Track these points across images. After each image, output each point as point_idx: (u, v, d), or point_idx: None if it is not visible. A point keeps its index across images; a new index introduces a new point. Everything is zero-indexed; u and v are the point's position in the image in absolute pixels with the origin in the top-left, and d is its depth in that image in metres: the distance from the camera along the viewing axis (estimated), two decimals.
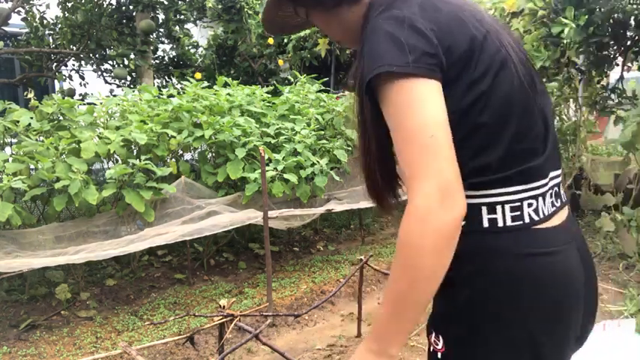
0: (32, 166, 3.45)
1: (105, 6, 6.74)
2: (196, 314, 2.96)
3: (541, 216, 0.98)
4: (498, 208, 0.95)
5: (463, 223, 0.89)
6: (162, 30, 7.08)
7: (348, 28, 1.05)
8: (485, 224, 0.95)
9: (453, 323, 0.98)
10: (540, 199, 0.99)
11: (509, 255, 0.95)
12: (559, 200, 1.05)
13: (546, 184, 1.00)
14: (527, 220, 0.96)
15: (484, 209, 0.95)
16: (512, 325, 0.95)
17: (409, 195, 0.84)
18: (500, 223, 0.95)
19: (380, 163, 1.01)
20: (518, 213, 0.96)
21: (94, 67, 7.13)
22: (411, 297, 0.85)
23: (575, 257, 1.01)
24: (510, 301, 0.94)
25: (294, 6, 1.07)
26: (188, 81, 4.95)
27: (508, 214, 0.95)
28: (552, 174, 1.03)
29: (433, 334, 1.02)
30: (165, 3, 6.77)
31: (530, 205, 0.97)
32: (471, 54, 0.93)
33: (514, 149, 0.96)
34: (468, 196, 0.90)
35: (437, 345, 1.00)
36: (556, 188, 1.04)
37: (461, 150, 0.89)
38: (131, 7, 6.64)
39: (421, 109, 0.85)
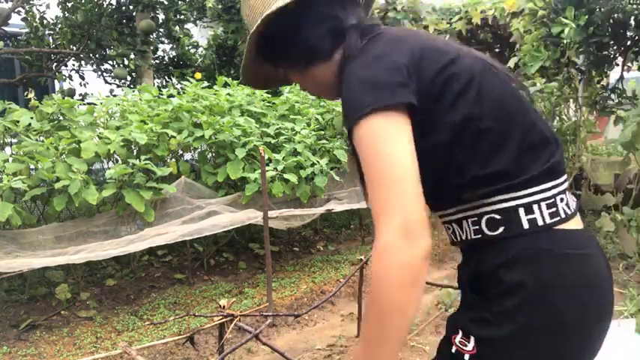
0: (32, 166, 3.45)
1: (105, 6, 6.74)
2: (196, 314, 2.96)
3: (572, 210, 1.02)
4: (535, 207, 0.97)
5: (502, 229, 0.96)
6: (162, 30, 7.08)
7: (321, 83, 1.12)
8: (526, 225, 0.97)
9: (492, 326, 0.96)
10: (567, 192, 1.03)
11: (552, 257, 0.96)
12: (571, 194, 1.08)
13: (567, 178, 1.04)
14: (562, 215, 0.99)
15: (521, 211, 0.97)
16: (566, 329, 0.95)
17: (376, 233, 0.87)
18: (540, 222, 0.97)
19: None
20: (554, 209, 0.98)
21: (94, 67, 7.13)
22: (382, 331, 0.87)
23: (602, 257, 1.04)
24: (562, 304, 0.95)
25: (272, 65, 1.15)
26: (188, 81, 4.95)
27: (545, 212, 0.97)
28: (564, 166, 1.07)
29: (459, 335, 1.00)
30: (165, 3, 6.77)
31: (562, 199, 1.00)
32: (448, 70, 0.97)
33: (531, 146, 0.99)
34: (500, 201, 0.96)
35: (464, 346, 0.99)
36: (566, 193, 1.07)
37: (475, 159, 0.96)
38: (131, 7, 6.64)
39: (386, 149, 0.90)
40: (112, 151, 3.62)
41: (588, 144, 6.12)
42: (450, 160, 0.98)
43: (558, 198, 1.00)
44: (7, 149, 3.84)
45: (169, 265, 4.51)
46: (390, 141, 0.90)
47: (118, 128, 3.89)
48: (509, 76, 1.06)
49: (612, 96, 4.71)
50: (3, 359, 2.98)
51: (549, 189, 0.99)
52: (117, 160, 3.96)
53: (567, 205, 1.01)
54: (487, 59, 1.06)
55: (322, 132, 4.79)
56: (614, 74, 4.91)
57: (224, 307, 2.22)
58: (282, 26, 1.06)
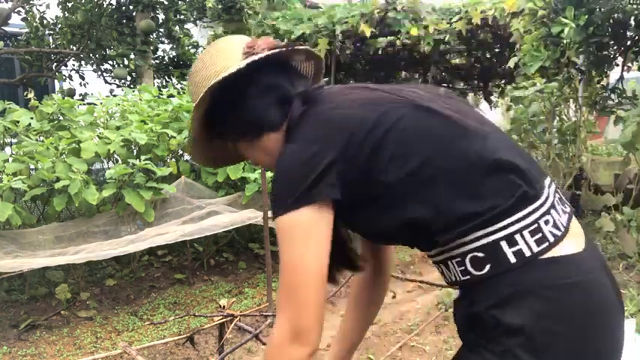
0: (32, 166, 3.44)
1: (105, 6, 6.74)
2: (196, 314, 2.96)
3: (563, 227, 0.95)
4: (517, 237, 0.92)
5: (488, 267, 0.93)
6: (162, 30, 7.08)
7: (269, 153, 1.11)
8: (513, 259, 0.92)
9: None
10: (554, 209, 0.97)
11: (547, 291, 0.91)
12: (566, 205, 1.02)
13: (548, 195, 0.98)
14: (551, 238, 0.93)
15: (504, 244, 0.92)
16: None
17: (274, 325, 0.95)
18: (527, 252, 0.92)
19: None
20: (540, 235, 0.93)
21: (94, 67, 7.13)
22: None
23: (606, 279, 0.97)
24: (567, 340, 0.90)
25: (221, 140, 1.15)
26: None
27: (531, 240, 0.92)
28: (545, 182, 1.00)
29: None
30: (165, 3, 6.77)
31: (547, 222, 0.94)
32: (376, 136, 0.96)
33: (493, 178, 0.94)
34: (478, 238, 0.93)
35: None
36: (557, 194, 1.02)
37: (434, 206, 0.94)
38: (131, 7, 6.64)
39: (298, 251, 0.94)
40: (112, 151, 3.63)
41: (588, 144, 6.12)
42: (411, 214, 0.96)
43: (542, 222, 0.94)
44: (7, 149, 3.84)
45: (169, 265, 4.51)
46: (304, 242, 0.94)
47: (118, 128, 3.89)
48: (460, 109, 1.02)
49: (612, 96, 4.71)
50: (3, 359, 2.98)
51: (528, 215, 0.93)
52: (117, 160, 3.96)
53: (555, 225, 0.95)
54: (423, 97, 1.02)
55: None
56: (614, 74, 4.91)
57: (224, 307, 2.22)
58: (229, 98, 1.06)
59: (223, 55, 1.09)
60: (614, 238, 4.38)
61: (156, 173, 3.62)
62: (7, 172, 3.22)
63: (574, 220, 1.01)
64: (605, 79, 4.93)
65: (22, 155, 3.40)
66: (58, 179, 3.25)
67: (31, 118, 3.73)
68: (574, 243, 0.96)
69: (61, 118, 3.97)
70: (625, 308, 3.20)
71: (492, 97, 11.57)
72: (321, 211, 0.95)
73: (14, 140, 3.81)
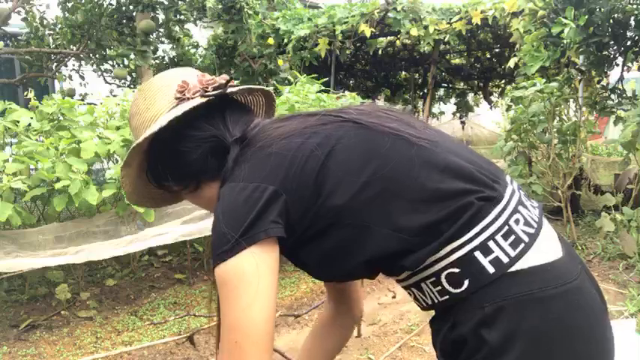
0: (32, 166, 3.44)
1: (105, 6, 6.73)
2: (196, 314, 2.96)
3: (534, 225, 0.92)
4: (491, 244, 0.88)
5: (467, 283, 0.87)
6: (162, 30, 7.08)
7: (211, 202, 1.06)
8: (491, 269, 0.87)
9: None
10: (521, 207, 0.93)
11: (534, 301, 0.86)
12: (532, 200, 0.99)
13: (513, 192, 0.94)
14: (525, 238, 0.89)
15: (478, 255, 0.87)
16: None
17: None
18: (505, 259, 0.87)
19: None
20: (514, 237, 0.89)
21: (94, 67, 7.13)
22: None
23: (589, 283, 0.94)
24: (561, 351, 0.86)
25: (159, 187, 1.11)
26: None
27: (505, 245, 0.88)
28: (507, 179, 0.97)
29: None
30: (165, 3, 6.76)
31: (517, 221, 0.91)
32: (316, 158, 0.92)
33: (450, 187, 0.90)
34: (451, 252, 0.88)
35: None
36: (521, 190, 0.98)
37: (394, 222, 0.88)
38: (131, 7, 6.64)
39: (241, 303, 0.86)
40: (112, 151, 3.62)
41: (588, 144, 6.12)
42: (371, 241, 0.91)
43: (512, 222, 0.90)
44: (7, 149, 3.84)
45: (169, 265, 4.51)
46: (246, 293, 0.85)
47: (118, 128, 3.89)
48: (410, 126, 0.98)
49: (612, 96, 4.72)
50: (3, 359, 2.98)
51: (496, 218, 0.89)
52: (117, 160, 3.96)
53: (527, 222, 0.91)
54: (364, 118, 0.98)
55: None
56: (614, 74, 4.91)
57: None
58: (162, 153, 1.03)
59: (157, 98, 1.05)
60: (614, 238, 4.38)
61: None
62: (7, 172, 3.22)
63: (545, 220, 0.96)
64: (605, 79, 4.94)
65: (22, 155, 3.40)
66: (58, 179, 3.25)
67: (31, 118, 3.72)
68: (552, 247, 0.92)
69: (61, 118, 3.97)
70: (625, 308, 3.20)
71: (492, 97, 11.58)
72: (265, 252, 0.88)
73: (14, 140, 3.81)
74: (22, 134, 3.65)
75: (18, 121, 3.68)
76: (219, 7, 7.27)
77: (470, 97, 12.58)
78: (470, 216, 0.88)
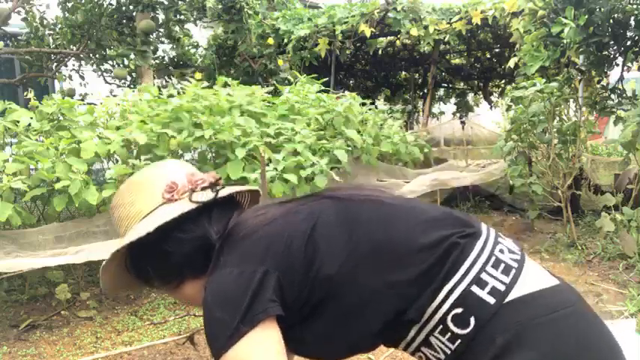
0: (32, 166, 3.44)
1: (105, 6, 6.74)
2: (196, 314, 2.95)
3: (517, 252, 0.96)
4: (484, 276, 0.91)
5: (473, 320, 0.87)
6: (162, 30, 7.08)
7: (195, 298, 1.07)
8: (491, 300, 0.88)
9: None
10: (500, 239, 0.97)
11: (542, 325, 0.87)
12: (503, 235, 1.02)
13: (488, 229, 0.98)
14: (515, 264, 0.92)
15: (475, 288, 0.89)
16: None
17: None
18: (501, 287, 0.90)
19: None
20: (503, 265, 0.92)
21: (94, 67, 7.13)
22: None
23: (583, 305, 0.95)
24: None
25: (142, 282, 1.11)
26: (188, 81, 4.95)
27: (497, 273, 0.91)
28: (476, 221, 1.01)
29: None
30: (165, 3, 6.76)
31: (502, 251, 0.94)
32: (302, 233, 0.94)
33: (432, 233, 0.94)
34: (449, 292, 0.89)
35: None
36: (501, 240, 1.00)
37: (388, 279, 0.91)
38: (131, 7, 6.64)
39: None
40: (112, 151, 3.62)
41: (588, 144, 6.13)
42: (368, 304, 0.92)
43: (497, 251, 0.94)
44: (7, 149, 3.84)
45: None
46: None
47: (118, 128, 3.89)
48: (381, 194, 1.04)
49: (612, 96, 4.72)
50: (3, 359, 2.98)
51: (481, 251, 0.93)
52: (117, 160, 3.96)
53: (510, 250, 0.95)
54: (341, 193, 1.03)
55: (322, 132, 4.79)
56: (614, 74, 4.91)
57: None
58: (146, 252, 1.02)
59: (143, 194, 1.04)
60: (614, 238, 4.38)
61: None
62: (7, 172, 3.22)
63: (529, 264, 0.97)
64: (605, 79, 4.94)
65: (22, 155, 3.40)
66: (58, 179, 3.25)
67: (31, 118, 3.72)
68: (543, 274, 0.95)
69: (61, 118, 3.97)
70: (625, 308, 3.20)
71: (492, 97, 11.58)
72: (268, 333, 0.88)
73: (14, 140, 3.81)
74: (22, 134, 3.65)
75: (18, 121, 3.68)
76: (219, 7, 7.27)
77: (470, 97, 12.58)
78: (457, 255, 0.92)
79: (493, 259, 0.92)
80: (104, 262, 1.04)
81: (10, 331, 3.32)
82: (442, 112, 12.92)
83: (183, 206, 0.99)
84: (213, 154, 4.38)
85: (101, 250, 3.25)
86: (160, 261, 1.03)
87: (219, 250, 0.99)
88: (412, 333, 0.95)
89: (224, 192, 1.04)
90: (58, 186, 3.22)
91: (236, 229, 1.01)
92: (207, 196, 1.02)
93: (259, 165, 3.58)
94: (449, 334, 0.91)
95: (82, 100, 6.33)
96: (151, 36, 6.67)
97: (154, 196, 1.03)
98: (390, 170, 5.41)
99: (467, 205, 6.15)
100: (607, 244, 4.36)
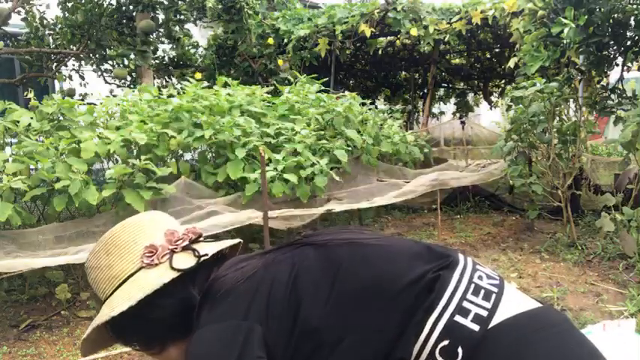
0: (32, 166, 3.44)
1: (105, 6, 6.74)
2: None
3: (496, 277, 0.97)
4: (465, 304, 0.91)
5: (460, 350, 0.88)
6: (162, 30, 7.09)
7: (177, 358, 1.06)
8: (475, 327, 0.89)
9: None
10: (478, 266, 0.98)
11: (531, 344, 0.87)
12: (486, 269, 1.02)
13: (465, 258, 0.99)
14: (495, 289, 0.93)
15: (459, 318, 0.90)
16: None
17: None
18: (483, 313, 0.90)
19: None
20: (483, 291, 0.93)
21: (94, 67, 7.13)
22: None
23: (570, 325, 0.95)
24: None
25: (124, 344, 1.11)
26: (188, 81, 4.95)
27: (479, 300, 0.92)
28: (452, 251, 1.02)
29: None
30: (165, 3, 6.77)
31: (480, 277, 0.95)
32: (284, 284, 0.94)
33: (411, 269, 0.95)
34: (433, 325, 0.90)
35: None
36: (479, 267, 1.01)
37: (381, 328, 0.91)
38: (131, 7, 6.64)
39: None
40: (112, 151, 3.62)
41: (588, 144, 6.13)
42: (358, 351, 0.92)
43: (476, 278, 0.95)
44: (7, 149, 3.84)
45: None
46: None
47: (118, 128, 3.89)
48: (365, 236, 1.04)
49: (612, 96, 4.72)
50: (3, 359, 2.98)
51: (460, 280, 0.94)
52: (117, 160, 3.96)
53: (489, 276, 0.96)
54: (321, 238, 1.03)
55: (322, 132, 4.79)
56: (614, 74, 4.91)
57: None
58: (133, 317, 0.99)
59: (120, 257, 1.02)
60: (614, 238, 4.38)
61: (156, 173, 3.62)
62: (7, 172, 3.22)
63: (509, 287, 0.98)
64: (605, 79, 4.94)
65: (22, 155, 3.40)
66: (58, 179, 3.25)
67: (31, 118, 3.72)
68: (524, 297, 0.96)
69: (61, 118, 3.97)
70: (625, 308, 3.20)
71: (492, 97, 11.58)
72: None
73: (14, 140, 3.81)
74: (22, 134, 3.65)
75: (18, 121, 3.68)
76: (219, 7, 7.27)
77: (470, 97, 12.59)
78: (438, 287, 0.92)
79: (473, 286, 0.93)
80: (86, 334, 1.02)
81: (10, 331, 3.32)
82: (442, 112, 12.93)
83: (164, 274, 0.97)
84: (213, 154, 4.38)
85: None
86: (140, 327, 1.01)
87: (199, 309, 0.97)
88: None
89: (207, 254, 1.02)
90: (58, 186, 3.22)
91: (215, 285, 0.99)
92: (189, 262, 1.00)
93: (259, 165, 3.58)
94: None
95: (82, 100, 6.33)
96: (150, 36, 6.67)
97: (133, 260, 1.01)
98: (390, 170, 5.42)
99: (467, 205, 6.16)
100: (607, 244, 4.35)
